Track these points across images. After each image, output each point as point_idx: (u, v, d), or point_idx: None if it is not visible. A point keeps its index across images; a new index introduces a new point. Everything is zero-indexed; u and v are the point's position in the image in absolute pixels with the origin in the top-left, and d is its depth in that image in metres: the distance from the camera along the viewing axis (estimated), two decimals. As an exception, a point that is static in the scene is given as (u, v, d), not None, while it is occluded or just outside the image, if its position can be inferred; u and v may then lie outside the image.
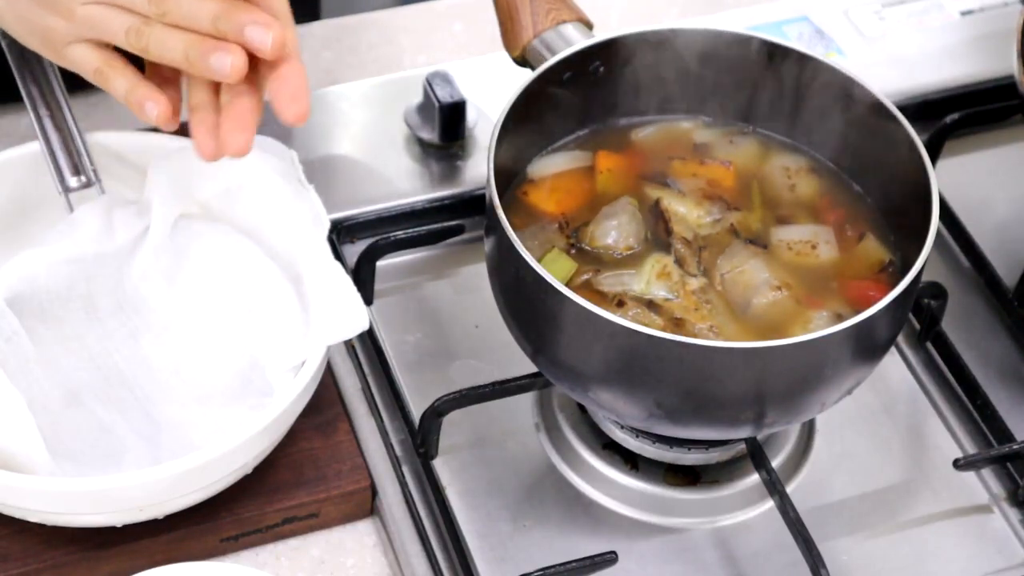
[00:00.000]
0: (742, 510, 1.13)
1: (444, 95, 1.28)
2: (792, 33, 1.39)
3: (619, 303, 1.05)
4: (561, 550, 1.09)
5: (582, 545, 1.10)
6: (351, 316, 1.09)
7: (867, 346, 1.03)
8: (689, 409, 1.02)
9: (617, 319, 0.98)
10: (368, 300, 1.21)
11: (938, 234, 1.28)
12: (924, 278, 1.21)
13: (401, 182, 1.28)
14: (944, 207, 1.28)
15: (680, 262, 1.07)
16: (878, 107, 1.09)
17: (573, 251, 1.09)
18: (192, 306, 1.13)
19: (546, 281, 1.00)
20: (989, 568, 1.11)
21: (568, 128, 1.15)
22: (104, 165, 1.15)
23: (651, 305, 1.05)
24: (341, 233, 1.24)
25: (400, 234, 1.21)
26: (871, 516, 1.13)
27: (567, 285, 1.01)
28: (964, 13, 1.43)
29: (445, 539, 1.09)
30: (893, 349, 1.22)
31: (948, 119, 1.31)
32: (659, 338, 0.98)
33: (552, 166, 1.13)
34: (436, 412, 1.11)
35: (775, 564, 1.11)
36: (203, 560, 1.09)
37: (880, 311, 1.00)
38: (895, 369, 1.21)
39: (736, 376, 1.00)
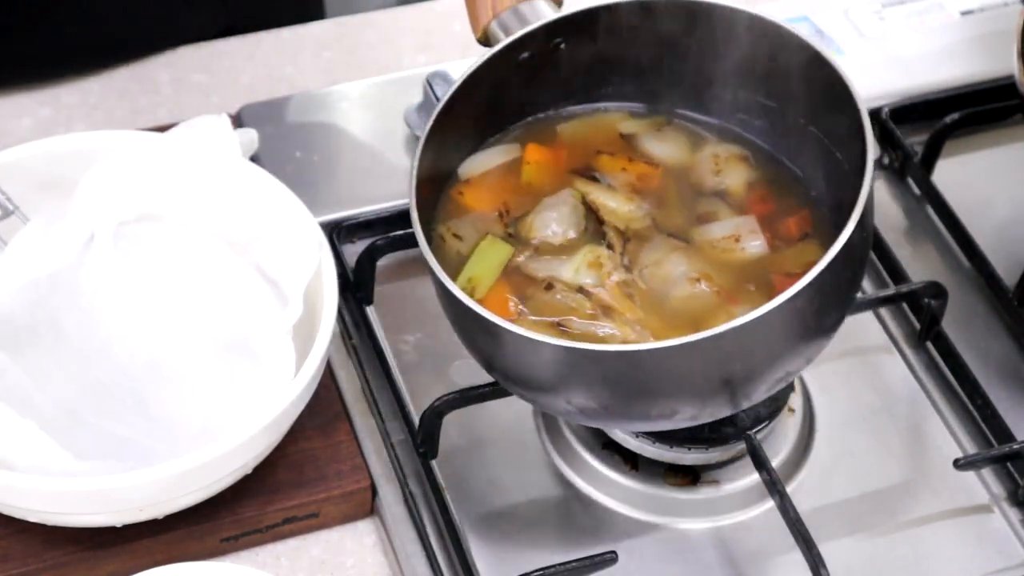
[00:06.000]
0: (742, 510, 1.13)
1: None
2: (792, 33, 1.39)
3: (548, 286, 1.05)
4: (561, 550, 1.09)
5: (582, 545, 1.10)
6: (308, 247, 1.11)
7: (786, 335, 1.00)
8: (618, 406, 1.02)
9: (521, 331, 0.98)
10: (368, 300, 1.21)
11: (938, 234, 1.29)
12: (924, 278, 1.21)
13: (401, 182, 1.27)
14: (944, 207, 1.28)
15: (612, 247, 1.06)
16: (813, 59, 1.05)
17: (511, 239, 1.08)
18: (153, 303, 1.12)
19: (454, 296, 1.00)
20: (989, 568, 1.11)
21: (501, 125, 1.13)
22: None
23: (581, 290, 1.05)
24: (341, 233, 1.24)
25: (400, 234, 1.21)
26: (871, 516, 1.13)
27: (505, 269, 1.01)
28: (964, 13, 1.43)
29: (445, 539, 1.09)
30: (893, 349, 1.22)
31: (948, 119, 1.31)
32: (561, 346, 0.98)
33: (485, 163, 1.12)
34: (436, 412, 1.11)
35: (775, 564, 1.11)
36: (203, 560, 1.09)
37: (791, 299, 0.96)
38: (895, 369, 1.21)
39: (658, 374, 0.99)
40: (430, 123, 1.06)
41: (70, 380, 1.10)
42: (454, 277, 1.05)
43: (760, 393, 1.03)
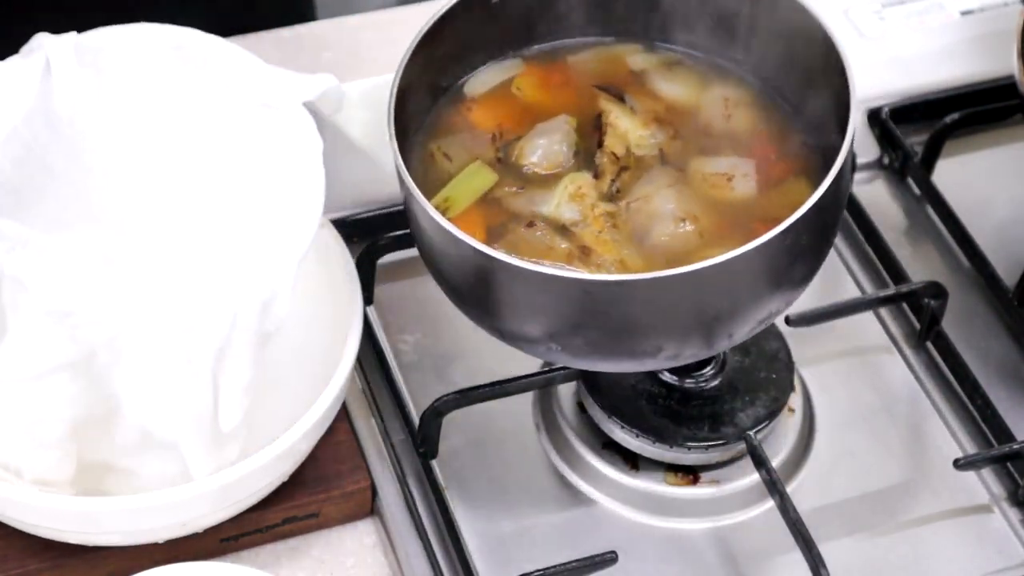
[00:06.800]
0: (742, 510, 1.13)
1: (443, 94, 1.27)
2: (792, 33, 1.39)
3: (530, 223, 1.04)
4: (561, 550, 1.09)
5: (582, 545, 1.10)
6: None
7: (764, 276, 1.01)
8: (602, 341, 1.01)
9: (479, 246, 0.97)
10: (368, 300, 1.21)
11: (938, 234, 1.29)
12: (924, 278, 1.21)
13: (401, 182, 1.28)
14: (944, 207, 1.28)
15: (598, 175, 1.06)
16: (810, 26, 1.05)
17: (499, 164, 1.08)
18: (140, 120, 1.07)
19: (427, 212, 0.99)
20: (989, 568, 1.11)
21: (502, 50, 1.13)
22: None
23: (563, 230, 1.04)
24: (341, 233, 1.23)
25: (400, 234, 1.21)
26: (871, 516, 1.13)
27: (484, 197, 1.01)
28: (964, 13, 1.43)
29: (445, 539, 1.09)
30: (893, 349, 1.22)
31: (948, 119, 1.31)
32: (540, 273, 0.97)
33: (485, 82, 1.12)
34: (436, 412, 1.11)
35: (775, 564, 1.11)
36: (203, 560, 1.09)
37: (760, 247, 0.96)
38: (895, 369, 1.21)
39: (639, 307, 0.99)
40: (418, 37, 1.06)
41: (87, 228, 1.05)
42: (432, 195, 1.05)
43: (742, 333, 1.03)
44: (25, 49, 1.07)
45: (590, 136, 1.09)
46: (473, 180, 1.07)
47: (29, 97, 1.05)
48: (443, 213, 1.03)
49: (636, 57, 1.14)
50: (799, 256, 1.01)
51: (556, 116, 1.10)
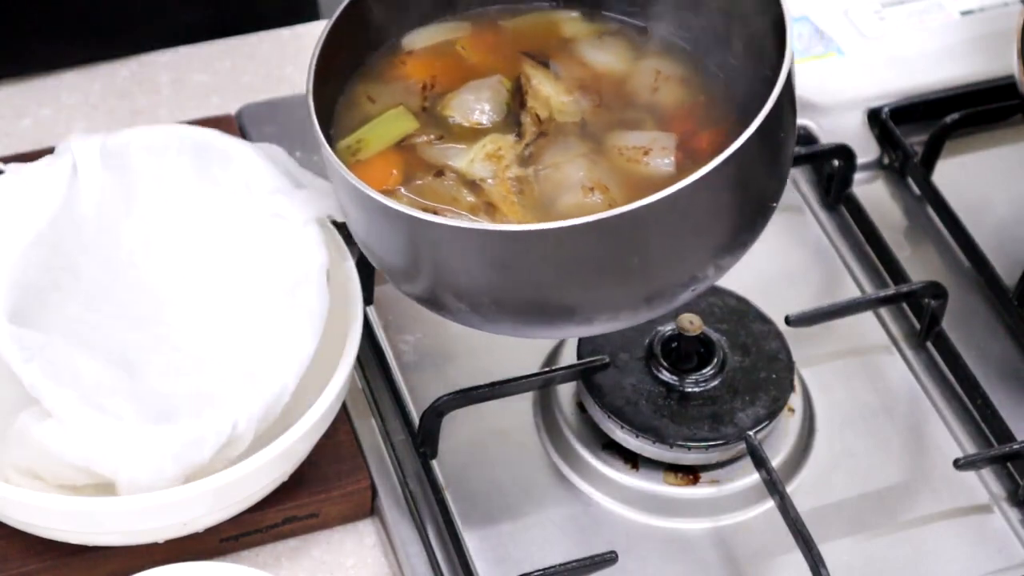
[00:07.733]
0: (742, 510, 1.13)
1: (443, 94, 1.27)
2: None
3: (438, 173, 1.03)
4: (561, 550, 1.09)
5: (582, 545, 1.10)
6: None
7: (664, 237, 0.96)
8: (507, 299, 0.99)
9: (371, 192, 0.96)
10: (368, 300, 1.21)
11: (938, 234, 1.29)
12: (924, 278, 1.22)
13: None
14: (944, 207, 1.28)
15: (521, 136, 1.04)
16: None
17: (424, 114, 1.07)
18: (160, 220, 1.11)
19: (324, 150, 0.98)
20: (989, 568, 1.11)
21: (444, 9, 1.12)
22: None
23: (472, 185, 1.03)
24: (341, 233, 1.24)
25: (400, 234, 1.21)
26: (871, 516, 1.13)
27: (401, 144, 1.01)
28: (964, 13, 1.43)
29: (445, 539, 1.09)
30: (893, 349, 1.22)
31: (948, 119, 1.31)
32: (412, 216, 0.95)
33: (427, 37, 1.11)
34: (436, 412, 1.11)
35: (775, 564, 1.11)
36: (203, 560, 1.09)
37: (659, 202, 0.92)
38: (895, 369, 1.21)
39: (535, 262, 0.96)
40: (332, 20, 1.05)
41: (108, 329, 1.08)
42: (346, 135, 1.04)
43: (662, 302, 0.99)
44: (57, 151, 1.11)
45: (515, 91, 1.07)
46: (390, 125, 1.05)
47: (56, 200, 1.09)
48: (353, 155, 1.03)
49: (570, 24, 1.12)
50: (719, 211, 0.97)
51: (490, 76, 1.08)
